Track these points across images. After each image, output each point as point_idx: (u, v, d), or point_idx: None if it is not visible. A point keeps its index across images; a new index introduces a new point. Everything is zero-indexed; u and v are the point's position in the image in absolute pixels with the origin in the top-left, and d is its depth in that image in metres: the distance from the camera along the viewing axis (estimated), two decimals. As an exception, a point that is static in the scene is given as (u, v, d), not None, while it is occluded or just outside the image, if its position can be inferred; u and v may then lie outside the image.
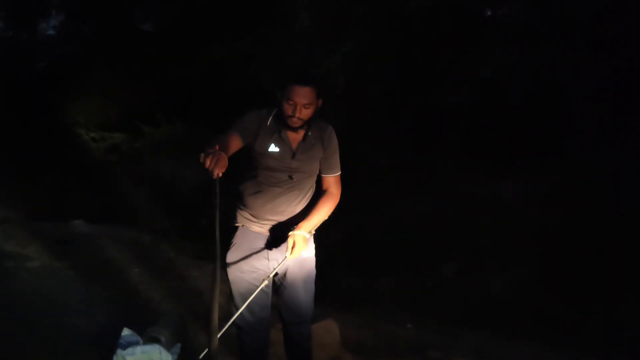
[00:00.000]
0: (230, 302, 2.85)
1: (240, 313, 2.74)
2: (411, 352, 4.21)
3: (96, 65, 10.57)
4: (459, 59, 6.50)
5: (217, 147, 2.29)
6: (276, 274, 2.76)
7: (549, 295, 5.43)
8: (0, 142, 10.13)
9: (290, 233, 2.59)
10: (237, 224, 2.80)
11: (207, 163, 2.20)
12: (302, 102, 2.53)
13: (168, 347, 3.31)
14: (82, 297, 4.29)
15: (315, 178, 2.80)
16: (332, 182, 2.81)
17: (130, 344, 3.25)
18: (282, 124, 2.62)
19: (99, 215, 7.00)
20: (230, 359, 3.34)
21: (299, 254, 2.62)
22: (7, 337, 3.52)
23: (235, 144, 2.56)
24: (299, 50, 7.57)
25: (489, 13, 7.21)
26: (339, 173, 2.83)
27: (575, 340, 4.62)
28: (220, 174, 2.25)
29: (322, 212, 2.74)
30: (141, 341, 3.30)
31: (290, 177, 2.68)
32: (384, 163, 7.10)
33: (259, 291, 2.72)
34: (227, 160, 2.29)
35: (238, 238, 2.79)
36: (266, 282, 2.64)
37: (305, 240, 2.60)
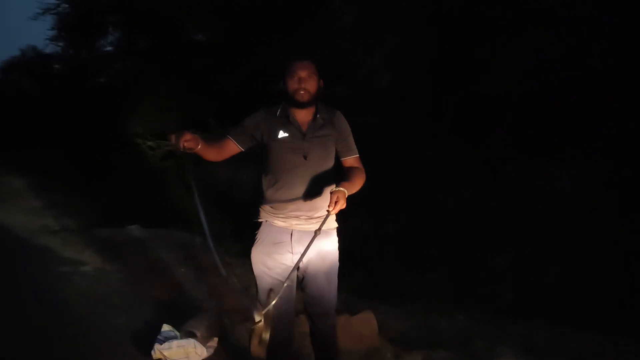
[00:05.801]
0: (255, 295, 2.89)
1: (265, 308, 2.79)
2: (456, 342, 4.16)
3: (152, 77, 10.90)
4: (502, 46, 6.33)
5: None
6: (298, 268, 2.78)
7: (604, 287, 5.21)
8: (64, 155, 10.65)
9: (333, 190, 2.57)
10: (260, 220, 2.84)
11: (172, 139, 2.54)
12: (305, 74, 2.70)
13: (204, 341, 3.39)
14: (129, 296, 4.48)
15: (331, 163, 2.82)
16: (354, 162, 2.85)
17: (167, 339, 3.35)
18: (291, 105, 2.75)
19: (154, 220, 7.22)
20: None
21: (340, 209, 2.56)
22: (57, 334, 3.73)
23: (226, 146, 2.81)
24: (342, 49, 7.57)
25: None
26: (358, 155, 2.87)
27: (631, 334, 4.41)
28: (186, 145, 2.55)
29: (356, 179, 2.74)
30: (179, 336, 3.39)
31: (305, 158, 2.73)
32: (431, 157, 6.99)
33: (282, 285, 2.75)
34: (196, 138, 2.59)
35: (261, 233, 2.83)
36: (318, 233, 2.57)
37: (345, 197, 2.55)
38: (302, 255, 2.61)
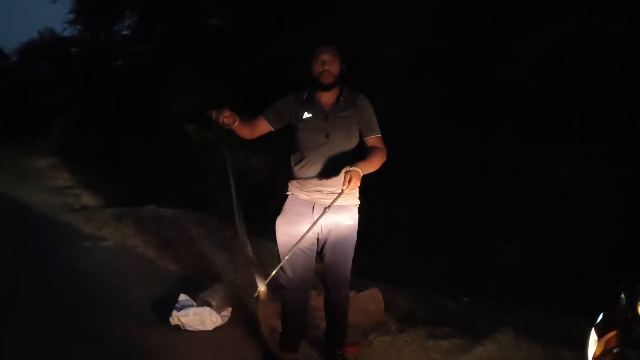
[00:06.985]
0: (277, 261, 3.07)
1: (286, 274, 3.04)
2: (459, 321, 4.27)
3: (168, 61, 11.05)
4: (512, 35, 6.41)
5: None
6: (318, 239, 3.04)
7: (611, 274, 5.27)
8: (84, 138, 10.86)
9: (346, 168, 2.75)
10: (287, 193, 3.08)
11: (213, 115, 2.79)
12: (328, 57, 2.93)
13: (219, 310, 3.60)
14: (147, 270, 4.69)
15: (353, 144, 3.01)
16: (376, 141, 3.02)
17: (185, 307, 3.56)
18: (317, 88, 2.98)
19: (172, 200, 7.40)
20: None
21: (354, 188, 2.76)
22: (80, 305, 3.93)
23: (259, 125, 3.02)
24: (355, 39, 7.67)
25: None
26: (380, 135, 3.04)
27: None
28: (225, 121, 2.79)
29: (374, 158, 2.92)
30: (195, 304, 3.59)
31: (327, 137, 2.95)
32: (442, 145, 7.09)
33: (303, 254, 3.00)
34: (234, 115, 2.82)
35: (287, 205, 3.07)
36: (327, 210, 2.78)
37: (359, 176, 2.74)
38: (312, 225, 2.84)
